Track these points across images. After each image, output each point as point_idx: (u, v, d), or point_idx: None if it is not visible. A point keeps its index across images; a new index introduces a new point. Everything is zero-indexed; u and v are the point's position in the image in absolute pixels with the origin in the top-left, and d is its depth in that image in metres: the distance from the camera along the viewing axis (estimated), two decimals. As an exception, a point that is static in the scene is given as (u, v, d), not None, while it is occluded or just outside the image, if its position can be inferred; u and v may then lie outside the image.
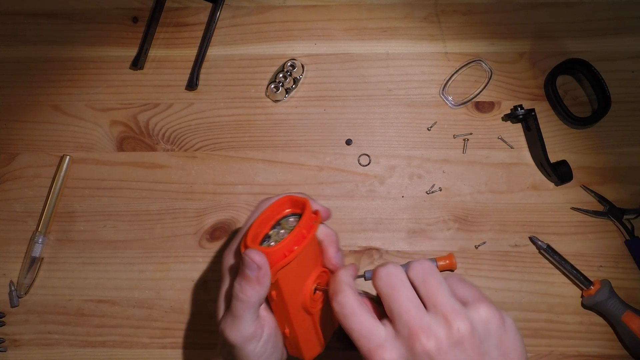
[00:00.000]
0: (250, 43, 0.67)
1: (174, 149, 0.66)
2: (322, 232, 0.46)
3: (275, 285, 0.41)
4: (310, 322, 0.45)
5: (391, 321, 0.36)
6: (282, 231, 0.43)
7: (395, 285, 0.36)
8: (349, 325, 0.37)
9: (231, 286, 0.42)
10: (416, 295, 0.36)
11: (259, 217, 0.43)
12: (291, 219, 0.44)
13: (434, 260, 0.62)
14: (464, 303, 0.36)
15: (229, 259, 0.45)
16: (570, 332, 0.62)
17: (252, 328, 0.41)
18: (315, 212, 0.43)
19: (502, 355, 0.35)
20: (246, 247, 0.41)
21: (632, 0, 0.66)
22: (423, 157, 0.65)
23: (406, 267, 0.38)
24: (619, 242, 0.63)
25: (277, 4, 0.67)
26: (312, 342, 0.46)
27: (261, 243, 0.42)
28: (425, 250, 0.64)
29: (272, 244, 0.42)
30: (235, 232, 0.64)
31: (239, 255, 0.43)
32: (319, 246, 0.46)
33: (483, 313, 0.35)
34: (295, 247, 0.40)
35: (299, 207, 0.44)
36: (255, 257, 0.39)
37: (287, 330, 0.44)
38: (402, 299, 0.36)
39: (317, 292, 0.44)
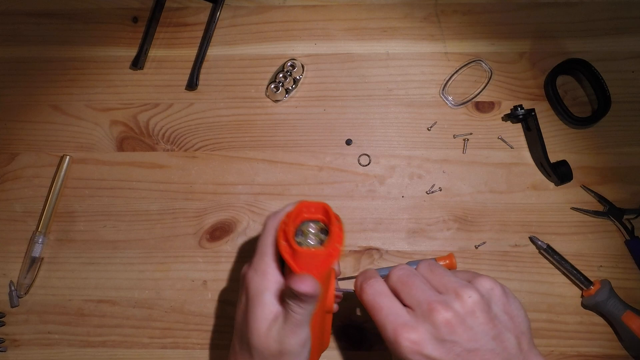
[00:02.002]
0: (250, 43, 0.67)
1: (174, 149, 0.66)
2: None
3: None
4: (321, 326, 0.47)
5: (410, 307, 0.42)
6: (311, 237, 0.45)
7: (408, 278, 0.42)
8: (378, 304, 0.42)
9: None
10: (427, 282, 0.42)
11: (285, 217, 0.44)
12: (311, 225, 0.45)
13: (434, 260, 0.62)
14: (466, 281, 0.43)
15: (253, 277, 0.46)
16: (570, 332, 0.62)
17: (308, 332, 0.43)
18: (337, 218, 0.45)
19: (509, 318, 0.42)
20: (292, 250, 0.42)
21: (632, 0, 0.66)
22: (423, 157, 0.65)
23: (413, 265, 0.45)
24: (619, 242, 0.63)
25: (277, 4, 0.67)
26: (316, 348, 0.47)
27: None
28: (425, 250, 0.64)
29: (312, 242, 0.45)
30: (238, 237, 0.64)
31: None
32: None
33: (486, 284, 0.42)
34: (337, 245, 0.43)
35: (314, 212, 0.45)
36: (307, 288, 0.40)
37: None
38: (417, 285, 0.42)
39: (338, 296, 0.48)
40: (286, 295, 0.42)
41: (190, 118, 0.66)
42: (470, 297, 0.41)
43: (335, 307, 0.50)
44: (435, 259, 0.62)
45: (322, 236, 0.45)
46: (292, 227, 0.44)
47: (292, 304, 0.42)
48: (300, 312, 0.42)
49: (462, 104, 0.65)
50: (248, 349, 0.44)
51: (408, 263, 0.62)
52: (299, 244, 0.44)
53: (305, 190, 0.64)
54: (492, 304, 0.42)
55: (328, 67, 0.66)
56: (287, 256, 0.42)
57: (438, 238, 0.64)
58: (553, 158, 0.63)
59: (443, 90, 0.66)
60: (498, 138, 0.65)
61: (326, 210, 0.45)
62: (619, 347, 0.61)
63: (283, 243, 0.43)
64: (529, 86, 0.65)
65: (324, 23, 0.67)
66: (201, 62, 0.66)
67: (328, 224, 0.45)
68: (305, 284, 0.40)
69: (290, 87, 0.66)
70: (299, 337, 0.42)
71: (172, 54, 0.67)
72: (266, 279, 0.44)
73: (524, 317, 0.44)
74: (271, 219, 0.47)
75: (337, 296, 0.49)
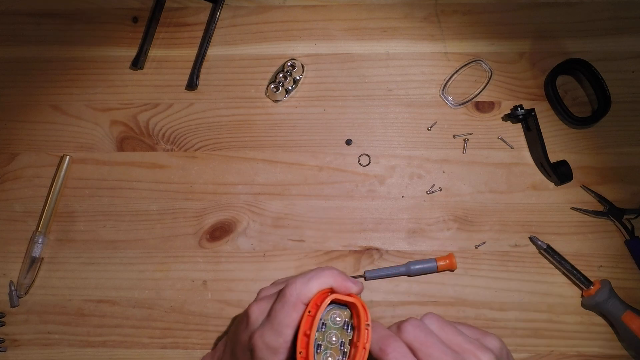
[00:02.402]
0: (250, 43, 0.67)
1: (174, 149, 0.66)
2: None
3: None
4: None
5: None
6: (333, 339, 0.41)
7: (426, 338, 0.40)
8: None
9: None
10: (443, 342, 0.40)
11: (303, 323, 0.41)
12: (335, 314, 0.42)
13: (434, 260, 0.62)
14: (476, 340, 0.41)
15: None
16: (570, 332, 0.62)
17: None
18: (363, 305, 0.41)
19: None
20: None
21: (632, 0, 0.66)
22: (423, 157, 0.65)
23: (422, 319, 0.42)
24: (619, 242, 0.63)
25: (277, 4, 0.67)
26: None
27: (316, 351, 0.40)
28: (425, 250, 0.64)
29: (328, 354, 0.41)
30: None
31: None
32: None
33: (496, 343, 0.42)
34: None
35: (339, 292, 0.42)
36: None
37: None
38: (436, 346, 0.39)
39: None
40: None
41: (190, 118, 0.66)
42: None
43: None
44: (435, 259, 0.62)
45: (347, 334, 0.42)
46: (304, 329, 0.40)
47: None
48: None
49: (462, 104, 0.65)
50: None
51: (408, 264, 0.62)
52: (318, 346, 0.40)
53: (305, 191, 0.64)
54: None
55: (328, 67, 0.66)
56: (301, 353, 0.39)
57: (438, 238, 0.64)
58: (553, 158, 0.63)
59: (443, 90, 0.66)
60: (498, 138, 0.65)
61: (356, 306, 0.41)
62: (619, 347, 0.61)
63: (304, 339, 0.40)
64: (529, 86, 0.65)
65: (324, 23, 0.67)
66: (201, 62, 0.66)
67: (355, 318, 0.41)
68: None
69: (290, 87, 0.66)
70: None
71: (172, 54, 0.67)
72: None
73: None
74: (264, 291, 0.47)
75: None
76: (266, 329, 0.43)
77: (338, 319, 0.42)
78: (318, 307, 0.40)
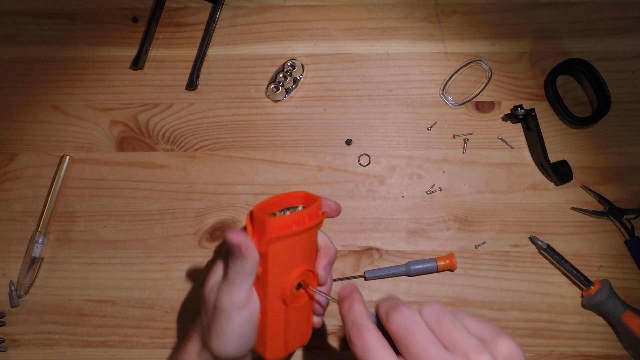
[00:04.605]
0: (250, 43, 0.67)
1: (174, 149, 0.66)
2: (322, 241, 0.48)
3: (264, 260, 0.43)
4: (283, 319, 0.45)
5: None
6: (287, 212, 0.45)
7: (410, 326, 0.34)
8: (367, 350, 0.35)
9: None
10: (432, 334, 0.34)
11: (272, 198, 0.45)
12: (299, 209, 0.46)
13: (434, 260, 0.62)
14: (481, 340, 0.34)
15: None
16: (570, 332, 0.62)
17: (243, 296, 0.43)
18: (323, 213, 0.45)
19: None
20: (251, 215, 0.43)
21: (632, 0, 0.66)
22: (423, 157, 0.65)
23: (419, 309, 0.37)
24: (619, 242, 0.63)
25: (277, 4, 0.67)
26: (277, 343, 0.46)
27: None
28: (425, 250, 0.64)
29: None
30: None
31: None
32: (316, 250, 0.47)
33: (503, 347, 0.34)
34: (293, 227, 0.42)
35: (311, 204, 0.45)
36: (235, 238, 0.42)
37: (260, 317, 0.45)
38: (419, 339, 0.34)
39: (301, 290, 0.46)
40: (227, 253, 0.44)
41: (190, 118, 0.66)
42: None
43: (316, 320, 0.49)
44: (435, 259, 0.62)
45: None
46: (270, 203, 0.45)
47: (230, 261, 0.43)
48: (234, 269, 0.43)
49: (462, 104, 0.65)
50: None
51: (408, 264, 0.62)
52: (274, 214, 0.45)
53: (305, 190, 0.64)
54: None
55: (328, 67, 0.66)
56: (247, 218, 0.44)
57: (438, 238, 0.64)
58: (553, 158, 0.63)
59: (443, 90, 0.66)
60: (498, 138, 0.65)
61: (316, 201, 0.45)
62: (619, 347, 0.61)
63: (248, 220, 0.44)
64: (529, 86, 0.65)
65: (324, 23, 0.67)
66: (201, 62, 0.66)
67: (306, 209, 0.45)
68: (236, 235, 0.42)
69: (290, 87, 0.66)
70: (231, 297, 0.43)
71: (172, 54, 0.67)
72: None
73: None
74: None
75: (317, 305, 0.47)
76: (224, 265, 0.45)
77: (300, 210, 0.46)
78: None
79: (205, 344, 0.46)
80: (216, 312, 0.44)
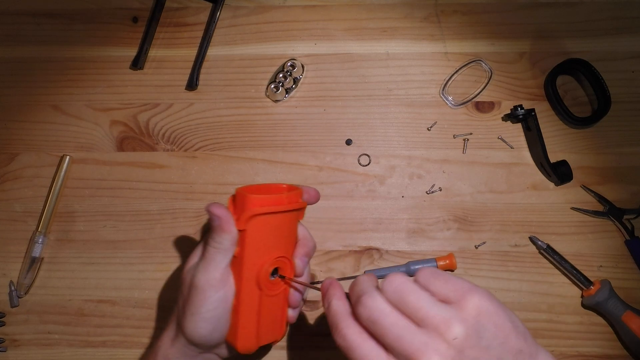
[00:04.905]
0: (250, 43, 0.67)
1: (174, 149, 0.66)
2: (302, 233, 0.49)
3: (242, 239, 0.44)
4: (256, 304, 0.46)
5: (388, 351, 0.35)
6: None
7: (377, 318, 0.35)
8: (355, 358, 0.35)
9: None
10: (400, 317, 0.34)
11: (256, 185, 0.47)
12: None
13: (434, 260, 0.62)
14: (447, 302, 0.35)
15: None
16: (570, 332, 0.62)
17: (219, 274, 0.44)
18: (304, 202, 0.47)
19: (503, 340, 0.34)
20: (234, 197, 0.45)
21: (632, 0, 0.66)
22: (423, 157, 0.65)
23: (381, 285, 0.37)
24: (619, 242, 0.63)
25: (277, 4, 0.67)
26: (250, 331, 0.46)
27: None
28: (425, 250, 0.64)
29: None
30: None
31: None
32: (295, 240, 0.48)
33: (471, 308, 0.34)
34: (272, 205, 0.44)
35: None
36: (216, 210, 0.43)
37: (235, 301, 0.45)
38: (389, 328, 0.34)
39: (278, 278, 0.46)
40: (207, 237, 0.45)
41: (190, 118, 0.66)
42: (455, 337, 0.33)
43: (291, 314, 0.49)
44: (435, 259, 0.62)
45: None
46: (255, 188, 0.47)
47: (209, 238, 0.44)
48: (213, 245, 0.44)
49: (462, 104, 0.65)
50: None
51: (408, 264, 0.62)
52: None
53: (305, 190, 0.65)
54: (482, 334, 0.34)
55: (328, 67, 0.66)
56: (229, 204, 0.45)
57: (438, 238, 0.64)
58: (553, 158, 0.63)
59: (443, 90, 0.66)
60: (498, 138, 0.65)
61: (297, 190, 0.47)
62: (619, 347, 0.61)
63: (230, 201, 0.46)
64: (529, 86, 0.65)
65: (324, 23, 0.67)
66: (201, 62, 0.66)
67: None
68: (217, 208, 0.43)
69: (290, 87, 0.66)
70: (207, 275, 0.44)
71: (172, 54, 0.67)
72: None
73: (517, 326, 0.35)
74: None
75: (293, 296, 0.48)
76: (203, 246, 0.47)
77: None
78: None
79: (180, 327, 0.46)
80: (191, 290, 0.45)
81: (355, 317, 0.36)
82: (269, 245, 0.45)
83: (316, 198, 0.49)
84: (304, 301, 0.50)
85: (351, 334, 0.36)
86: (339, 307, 0.38)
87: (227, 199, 0.64)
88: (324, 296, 0.40)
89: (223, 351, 0.49)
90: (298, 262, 0.47)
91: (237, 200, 0.45)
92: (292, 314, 0.49)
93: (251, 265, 0.45)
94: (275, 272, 0.46)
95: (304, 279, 0.48)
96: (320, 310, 0.63)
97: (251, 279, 0.45)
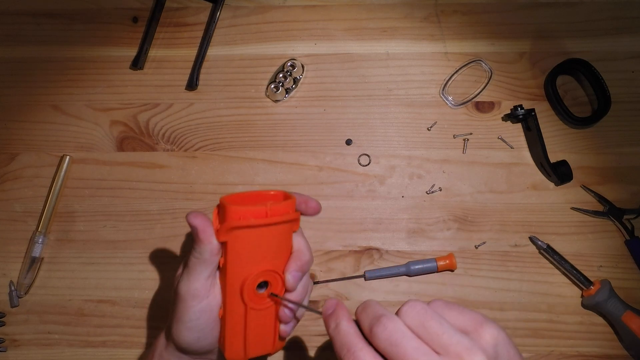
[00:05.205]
0: (250, 43, 0.67)
1: (174, 149, 0.66)
2: (297, 245, 0.46)
3: (224, 250, 0.42)
4: (242, 317, 0.44)
5: None
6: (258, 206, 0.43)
7: (398, 341, 0.34)
8: None
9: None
10: (421, 343, 0.34)
11: (248, 192, 0.45)
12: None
13: (434, 260, 0.62)
14: (466, 332, 0.35)
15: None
16: (570, 332, 0.62)
17: (200, 285, 0.43)
18: (297, 212, 0.44)
19: None
20: (218, 206, 0.43)
21: (632, 0, 0.66)
22: (423, 157, 0.65)
23: (398, 312, 0.36)
24: (619, 242, 0.63)
25: (277, 4, 0.67)
26: (236, 343, 0.44)
27: None
28: (425, 250, 0.64)
29: None
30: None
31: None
32: (288, 253, 0.45)
33: (488, 337, 0.35)
34: (251, 219, 0.41)
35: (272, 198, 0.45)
36: (193, 220, 0.42)
37: (221, 312, 0.44)
38: (410, 353, 0.33)
39: (265, 291, 0.44)
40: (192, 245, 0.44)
41: (190, 118, 0.66)
42: None
43: (282, 328, 0.46)
44: (435, 259, 0.62)
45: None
46: (245, 196, 0.45)
47: (192, 248, 0.43)
48: (194, 255, 0.43)
49: (462, 104, 0.65)
50: None
51: (408, 264, 0.62)
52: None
53: (305, 191, 0.64)
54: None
55: (328, 67, 0.66)
56: (214, 214, 0.44)
57: (438, 238, 0.64)
58: (553, 158, 0.63)
59: (443, 90, 0.66)
60: (498, 138, 0.65)
61: (290, 199, 0.44)
62: (619, 347, 0.61)
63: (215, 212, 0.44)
64: (529, 86, 0.65)
65: (324, 23, 0.67)
66: (201, 62, 0.66)
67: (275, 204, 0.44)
68: (195, 217, 0.42)
69: (290, 87, 0.66)
70: (189, 285, 0.43)
71: (172, 54, 0.67)
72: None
73: (522, 355, 0.37)
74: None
75: (284, 311, 0.45)
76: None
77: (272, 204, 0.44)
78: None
79: (169, 333, 0.46)
80: (176, 298, 0.44)
81: (370, 339, 0.35)
82: (255, 257, 0.43)
83: (315, 210, 0.47)
84: (297, 319, 0.47)
85: (364, 356, 0.35)
86: (350, 329, 0.37)
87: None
88: (329, 317, 0.38)
89: (214, 357, 0.48)
90: (288, 276, 0.44)
91: (220, 210, 0.43)
92: (284, 328, 0.46)
93: (235, 278, 0.43)
94: (265, 285, 0.44)
95: (298, 293, 0.45)
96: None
97: (235, 291, 0.43)
